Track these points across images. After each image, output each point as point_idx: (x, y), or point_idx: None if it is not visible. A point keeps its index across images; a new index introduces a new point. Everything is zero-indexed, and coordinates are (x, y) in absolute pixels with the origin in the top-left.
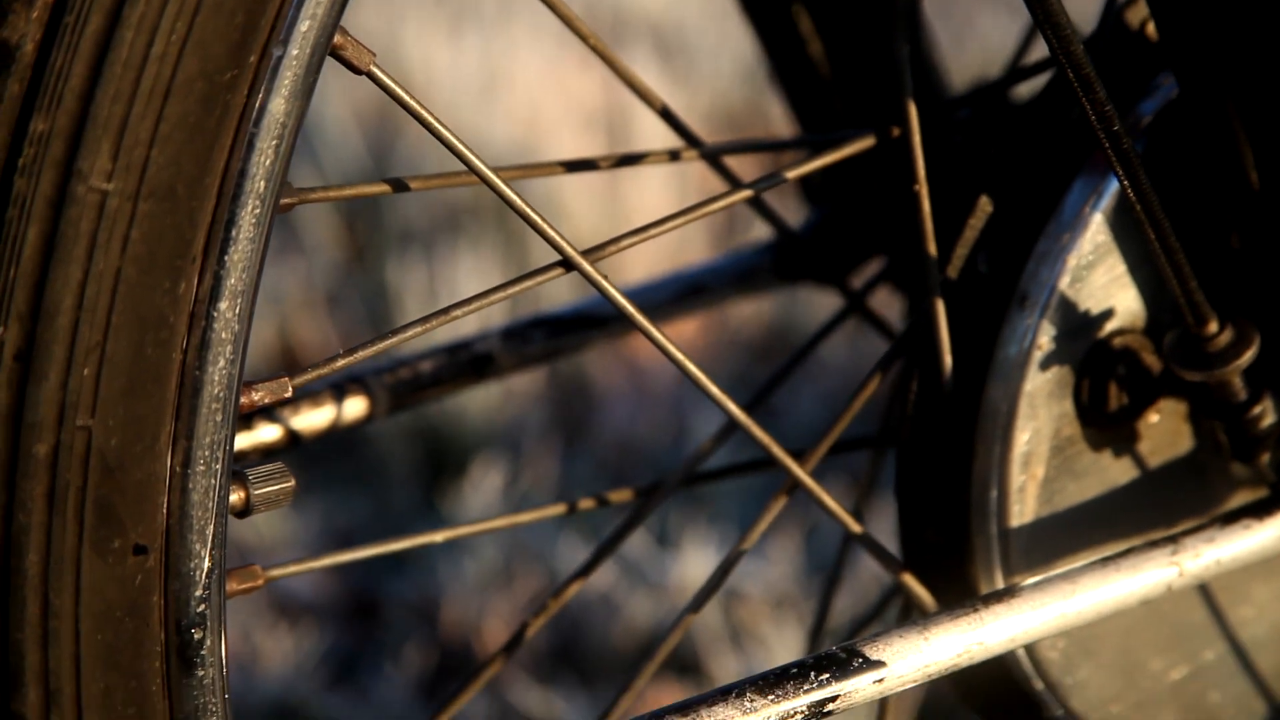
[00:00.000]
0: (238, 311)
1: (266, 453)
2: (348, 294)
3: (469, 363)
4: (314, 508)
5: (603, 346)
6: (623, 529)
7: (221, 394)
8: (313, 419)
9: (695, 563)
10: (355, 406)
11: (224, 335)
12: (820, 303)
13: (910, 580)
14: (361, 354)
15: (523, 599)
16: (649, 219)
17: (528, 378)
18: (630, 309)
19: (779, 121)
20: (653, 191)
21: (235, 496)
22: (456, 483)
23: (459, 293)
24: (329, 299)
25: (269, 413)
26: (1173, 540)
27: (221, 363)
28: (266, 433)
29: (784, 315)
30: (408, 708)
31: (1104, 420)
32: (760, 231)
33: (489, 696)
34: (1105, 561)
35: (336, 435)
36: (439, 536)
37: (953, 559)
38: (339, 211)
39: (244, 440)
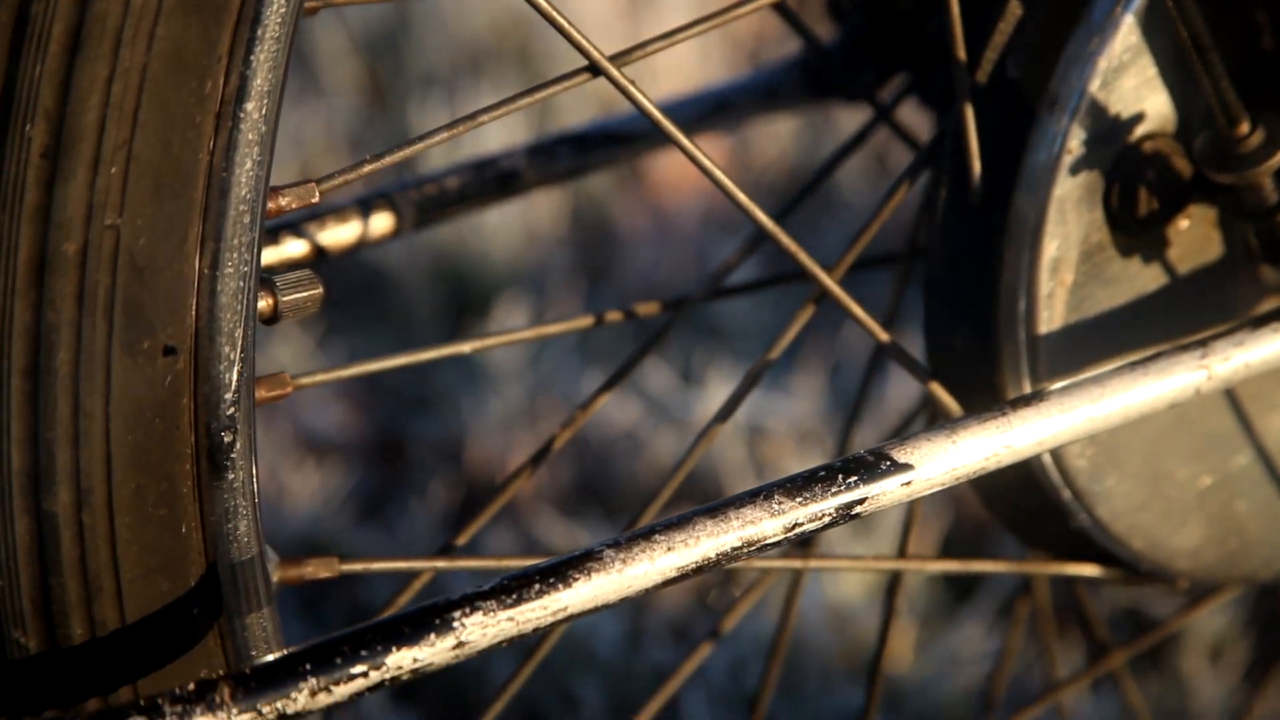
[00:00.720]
0: (264, 113)
1: (293, 268)
2: (369, 138)
3: (495, 179)
4: (339, 350)
5: (627, 181)
6: (650, 343)
7: (249, 196)
8: (339, 234)
9: (719, 399)
10: (381, 222)
11: (250, 137)
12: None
13: (938, 389)
14: (389, 159)
15: (547, 437)
16: None
17: (551, 220)
18: (658, 114)
19: None
20: (676, 10)
21: (264, 303)
22: (481, 324)
23: (481, 136)
24: (351, 143)
25: (295, 228)
26: (1202, 344)
27: (249, 165)
28: (293, 247)
29: (807, 158)
30: (434, 543)
31: (1133, 226)
32: (788, 49)
33: (514, 531)
34: (1133, 365)
35: (363, 250)
36: (466, 347)
37: (981, 368)
38: (360, 54)
39: (271, 255)
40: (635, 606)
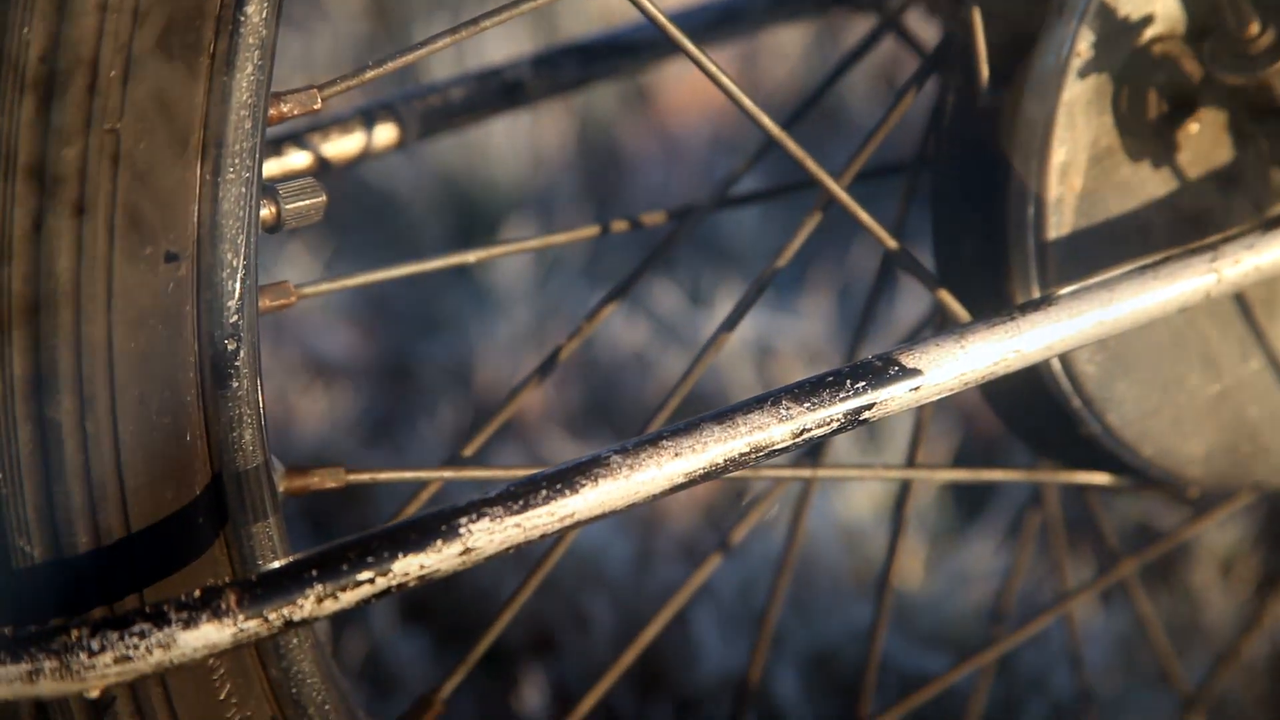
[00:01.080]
0: (264, 16)
1: (296, 178)
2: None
3: (499, 90)
4: (346, 274)
5: (634, 103)
6: (657, 251)
7: (250, 101)
8: (342, 145)
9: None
10: (385, 133)
11: (251, 40)
12: (855, 71)
13: (946, 296)
14: (391, 65)
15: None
16: None
17: (557, 143)
18: (665, 21)
19: None
20: None
21: (266, 210)
22: (488, 246)
23: (490, 61)
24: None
25: (298, 139)
26: (1211, 248)
27: (249, 69)
28: (296, 159)
29: (815, 79)
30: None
31: (1143, 130)
32: None
33: (523, 452)
34: (1143, 269)
35: (366, 162)
36: (471, 257)
37: (989, 275)
38: None
39: (274, 166)
40: (645, 526)
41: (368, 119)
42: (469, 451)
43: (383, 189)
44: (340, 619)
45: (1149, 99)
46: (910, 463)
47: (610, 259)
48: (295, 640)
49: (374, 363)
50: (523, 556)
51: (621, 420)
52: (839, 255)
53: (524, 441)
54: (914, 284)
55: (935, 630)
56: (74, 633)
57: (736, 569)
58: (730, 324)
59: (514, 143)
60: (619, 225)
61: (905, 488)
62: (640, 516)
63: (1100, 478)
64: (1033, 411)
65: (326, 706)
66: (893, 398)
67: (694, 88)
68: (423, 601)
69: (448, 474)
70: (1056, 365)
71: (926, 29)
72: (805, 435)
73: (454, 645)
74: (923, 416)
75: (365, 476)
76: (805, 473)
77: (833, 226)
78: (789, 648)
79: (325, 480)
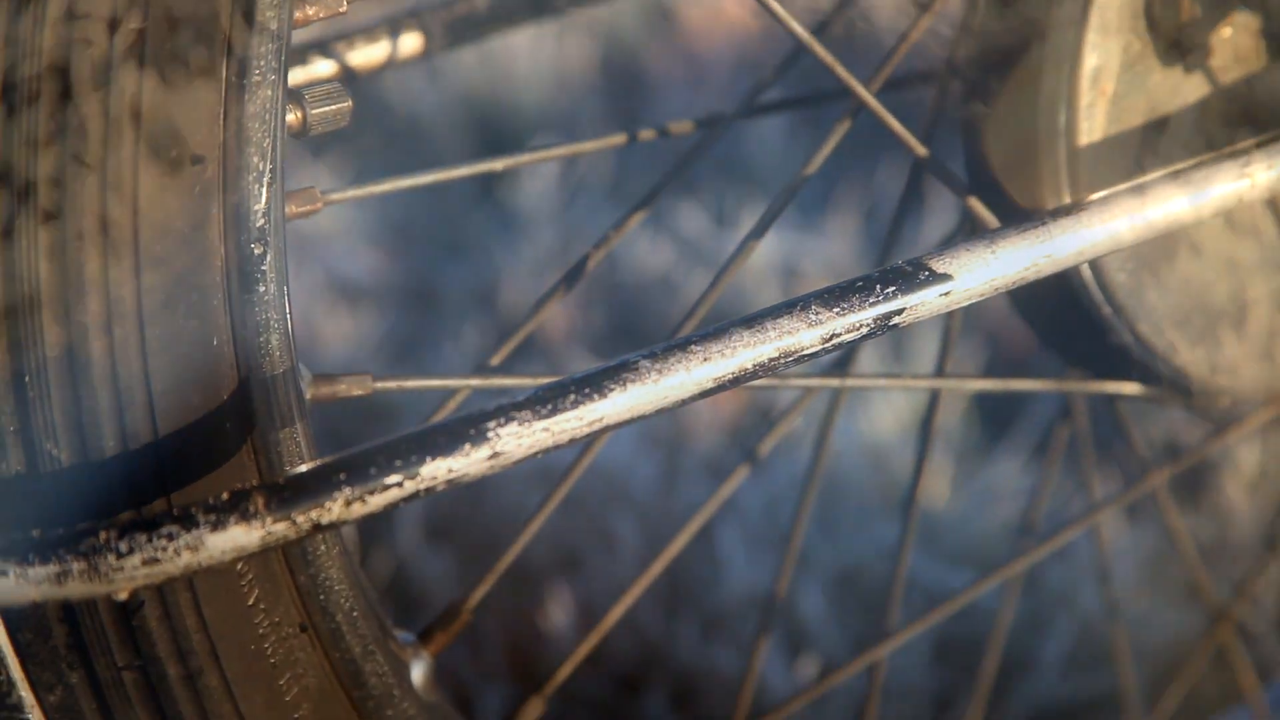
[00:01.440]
0: None
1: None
2: None
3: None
4: (371, 200)
5: (658, 25)
6: (684, 160)
7: (275, 1)
8: (368, 54)
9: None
10: (410, 43)
11: None
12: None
13: (976, 203)
14: None
15: (580, 283)
16: None
17: (581, 66)
18: None
19: None
20: None
21: (292, 115)
22: (512, 171)
23: None
24: None
25: (324, 48)
26: (1244, 153)
27: None
28: (321, 68)
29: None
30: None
31: (1176, 34)
32: None
33: (548, 372)
34: (1175, 175)
35: (391, 71)
36: (498, 165)
37: (1020, 182)
38: None
39: (299, 75)
40: (671, 446)
41: (393, 28)
42: (496, 361)
43: (407, 112)
44: (368, 538)
45: (1182, 2)
46: (939, 372)
47: (634, 183)
48: (323, 547)
49: (399, 286)
50: (549, 476)
51: (646, 341)
52: (866, 175)
53: (549, 362)
54: (940, 208)
55: (962, 549)
56: (102, 535)
57: (763, 488)
58: (759, 232)
59: (538, 64)
60: (645, 134)
61: (933, 399)
62: (667, 437)
63: (1130, 388)
64: (1063, 322)
65: (354, 613)
66: (923, 303)
67: (718, 9)
68: (448, 524)
69: (474, 382)
70: (1087, 273)
71: None
72: (835, 340)
73: (480, 567)
74: (951, 328)
75: (392, 384)
76: (833, 381)
77: (859, 147)
78: (815, 566)
79: (352, 388)
